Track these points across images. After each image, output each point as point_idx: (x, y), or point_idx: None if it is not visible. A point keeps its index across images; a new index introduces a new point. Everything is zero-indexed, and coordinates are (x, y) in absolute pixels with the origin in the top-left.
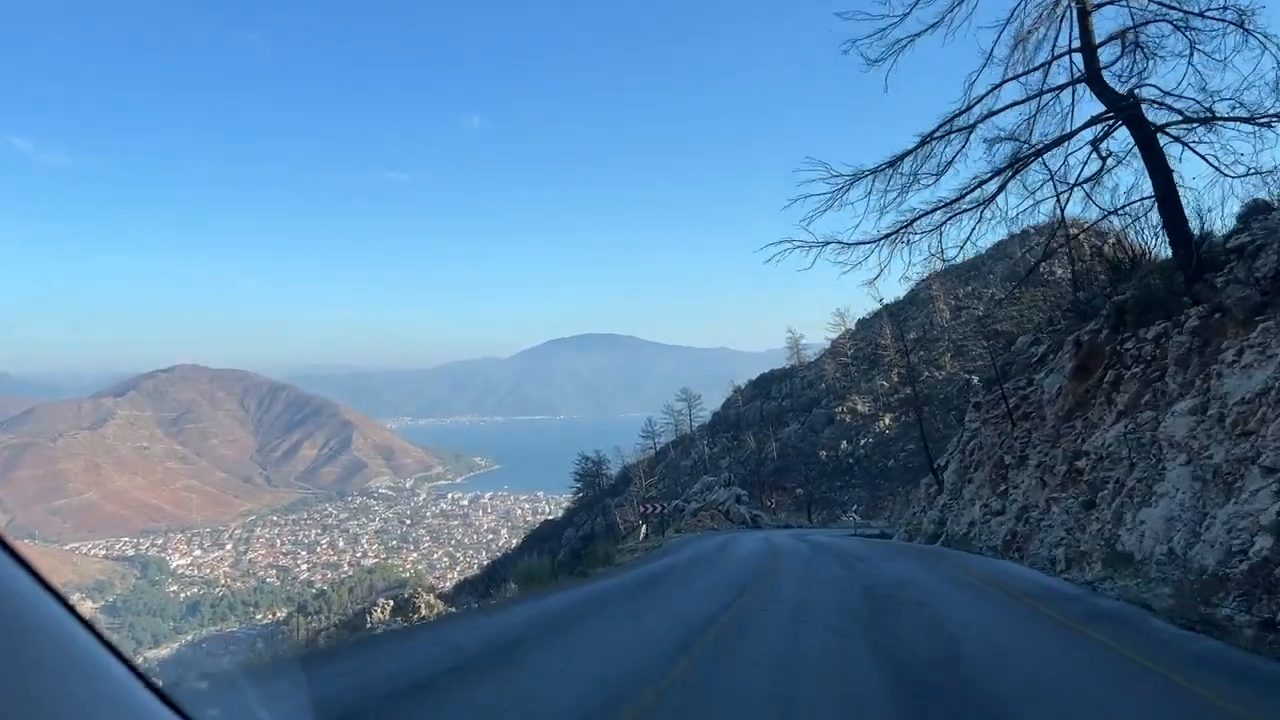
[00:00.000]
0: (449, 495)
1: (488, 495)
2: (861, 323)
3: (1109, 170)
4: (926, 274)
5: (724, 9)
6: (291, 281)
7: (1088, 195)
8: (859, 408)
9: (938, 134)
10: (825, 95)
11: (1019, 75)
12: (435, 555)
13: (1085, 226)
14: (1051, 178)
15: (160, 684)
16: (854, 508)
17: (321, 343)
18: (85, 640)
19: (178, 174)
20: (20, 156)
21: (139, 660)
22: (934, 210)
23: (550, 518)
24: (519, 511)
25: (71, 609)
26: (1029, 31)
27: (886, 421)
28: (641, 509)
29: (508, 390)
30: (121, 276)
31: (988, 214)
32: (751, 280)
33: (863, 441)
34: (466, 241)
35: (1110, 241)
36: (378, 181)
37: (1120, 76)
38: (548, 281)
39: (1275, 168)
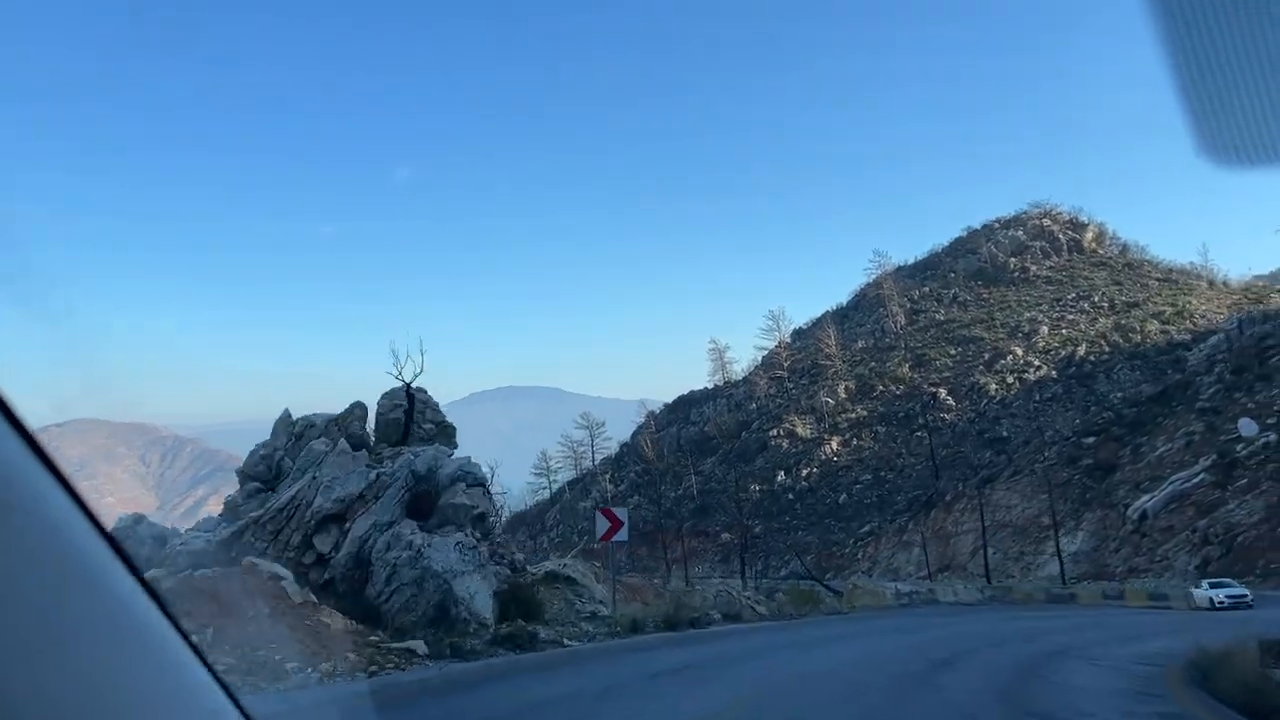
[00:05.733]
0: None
1: None
2: (798, 332)
3: None
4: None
5: (653, 78)
6: (208, 331)
7: None
8: (799, 430)
9: None
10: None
11: None
12: None
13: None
14: None
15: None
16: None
17: (239, 395)
18: (167, 630)
19: (86, 221)
20: None
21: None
22: None
23: None
24: None
25: (162, 605)
26: None
27: (834, 446)
28: None
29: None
30: (9, 328)
31: None
32: (674, 330)
33: (805, 472)
34: (391, 293)
35: (1090, 234)
36: (303, 234)
37: None
38: (469, 333)
39: None
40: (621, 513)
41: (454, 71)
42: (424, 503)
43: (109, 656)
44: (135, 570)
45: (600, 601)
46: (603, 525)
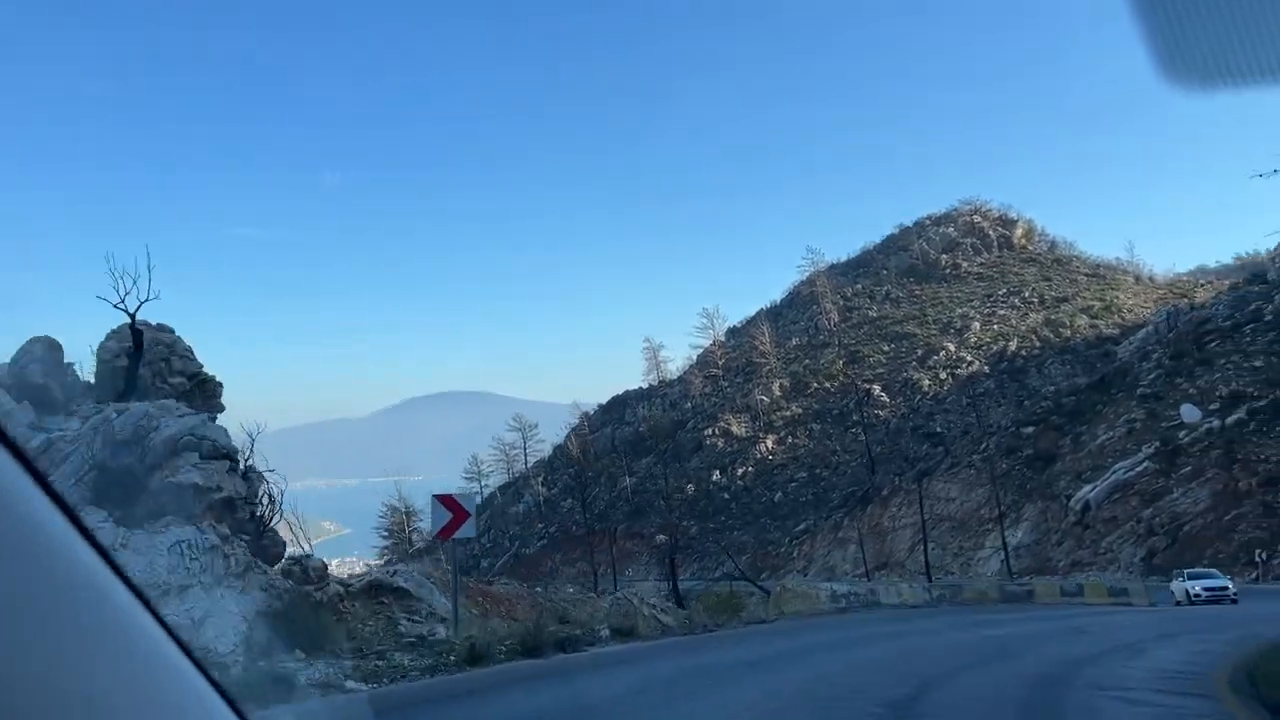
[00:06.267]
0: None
1: (335, 562)
2: (732, 331)
3: None
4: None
5: (581, 82)
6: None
7: None
8: (734, 429)
9: None
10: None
11: None
12: None
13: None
14: None
15: (216, 676)
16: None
17: None
18: (152, 629)
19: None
20: None
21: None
22: None
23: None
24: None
25: (146, 600)
26: None
27: (769, 444)
28: None
29: (362, 452)
30: None
31: None
32: (611, 331)
33: (740, 471)
34: (319, 299)
35: (1019, 230)
36: (228, 238)
37: None
38: (403, 340)
39: None
40: (467, 501)
41: (392, 75)
42: (126, 482)
43: (107, 667)
44: (129, 581)
45: (444, 619)
46: (441, 517)
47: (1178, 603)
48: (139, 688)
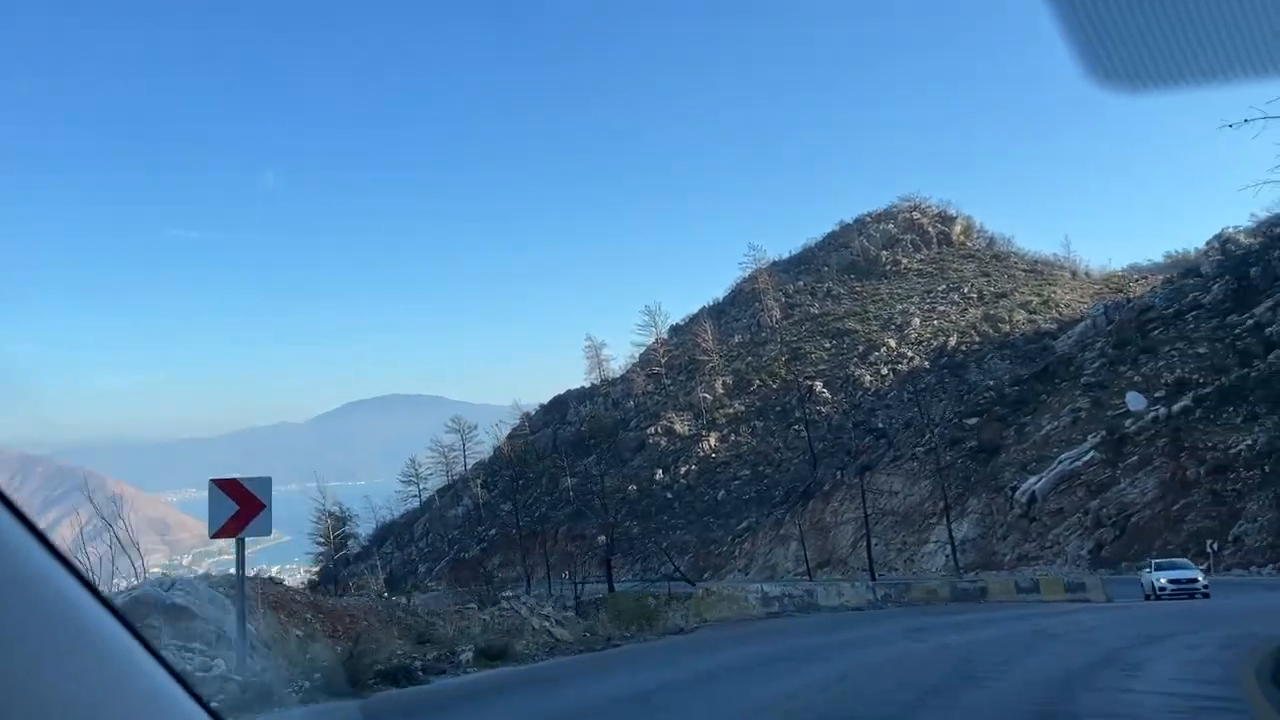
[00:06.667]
0: (231, 571)
1: (275, 569)
2: (675, 328)
3: None
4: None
5: (513, 93)
6: (61, 348)
7: None
8: (677, 427)
9: None
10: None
11: None
12: None
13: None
14: None
15: (193, 684)
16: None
17: (97, 414)
18: (123, 638)
19: None
20: None
21: None
22: None
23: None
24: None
25: (112, 609)
26: None
27: (712, 442)
28: None
29: (303, 456)
30: None
31: None
32: (555, 331)
33: (683, 469)
34: (259, 301)
35: (958, 227)
36: (165, 240)
37: None
38: (346, 343)
39: None
40: (259, 487)
41: (325, 76)
42: None
43: (93, 693)
44: (110, 605)
45: (261, 645)
46: (223, 510)
47: (1147, 596)
48: (122, 700)
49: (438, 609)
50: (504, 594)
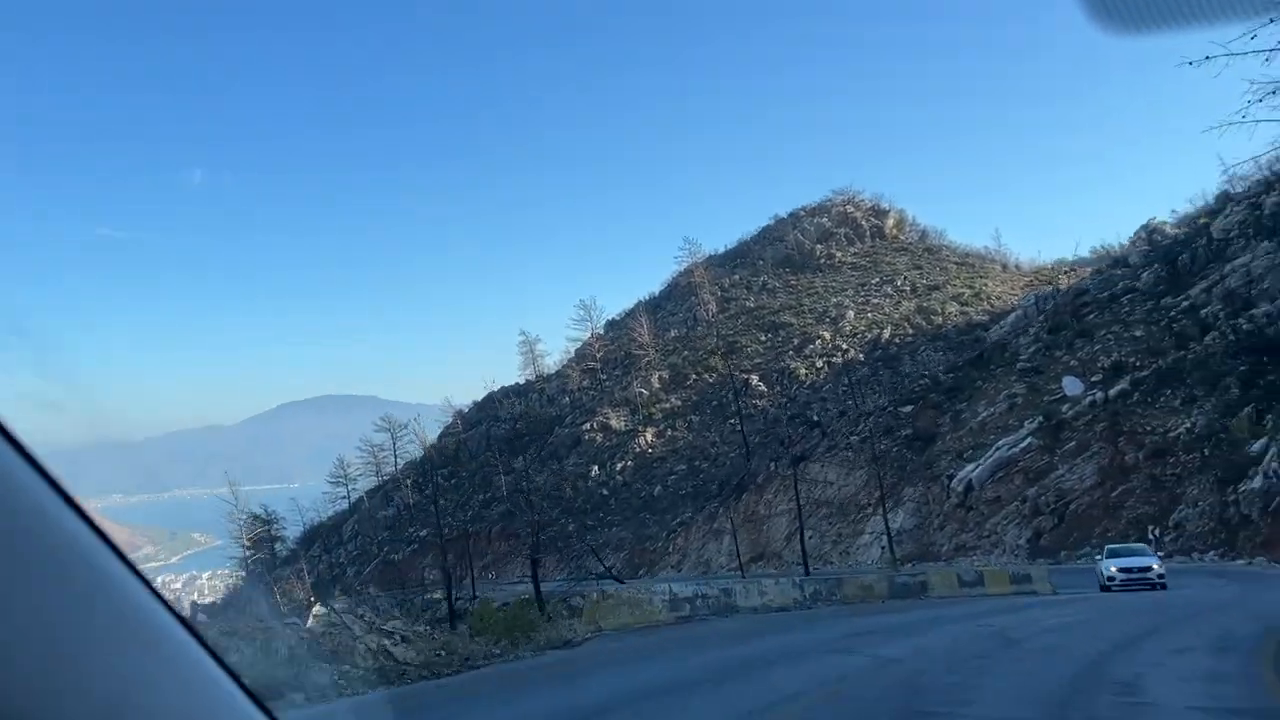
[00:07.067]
0: (159, 578)
1: (205, 575)
2: (611, 323)
3: None
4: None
5: (463, 95)
6: None
7: None
8: (613, 423)
9: None
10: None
11: None
12: None
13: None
14: None
15: (247, 682)
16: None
17: (17, 420)
18: (193, 645)
19: None
20: None
21: None
22: None
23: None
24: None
25: (183, 620)
26: None
27: (649, 438)
28: None
29: (234, 459)
30: None
31: None
32: (491, 329)
33: (620, 465)
34: (183, 301)
35: (891, 220)
36: (87, 237)
37: None
38: (277, 344)
39: None
40: None
41: (270, 75)
42: None
43: (135, 672)
44: (151, 586)
45: None
46: None
47: (1104, 587)
48: (171, 684)
49: (242, 626)
50: (331, 603)
